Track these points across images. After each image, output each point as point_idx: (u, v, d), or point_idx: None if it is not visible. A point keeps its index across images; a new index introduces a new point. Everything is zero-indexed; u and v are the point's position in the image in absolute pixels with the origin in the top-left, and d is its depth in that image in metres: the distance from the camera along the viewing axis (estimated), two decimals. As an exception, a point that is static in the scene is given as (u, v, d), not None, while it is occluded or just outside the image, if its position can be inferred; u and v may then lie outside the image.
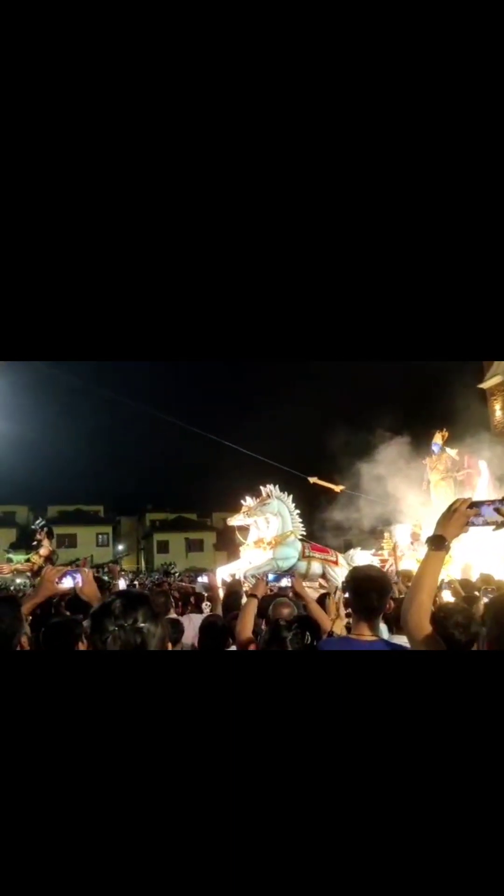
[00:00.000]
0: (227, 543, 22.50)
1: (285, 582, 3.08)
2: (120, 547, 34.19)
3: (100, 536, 33.19)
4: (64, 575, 2.06)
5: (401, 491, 11.57)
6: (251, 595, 2.61)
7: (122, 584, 5.94)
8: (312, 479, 11.15)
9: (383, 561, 9.72)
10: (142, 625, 1.19)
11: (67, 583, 2.06)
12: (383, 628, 2.35)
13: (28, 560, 10.37)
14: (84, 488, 32.91)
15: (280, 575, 3.16)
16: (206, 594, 4.90)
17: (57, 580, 2.04)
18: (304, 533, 9.75)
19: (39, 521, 11.20)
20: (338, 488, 11.55)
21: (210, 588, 4.20)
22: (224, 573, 8.66)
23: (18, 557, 11.24)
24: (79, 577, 2.05)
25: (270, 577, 3.08)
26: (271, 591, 4.30)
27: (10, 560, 11.82)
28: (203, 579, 4.12)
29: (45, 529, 10.49)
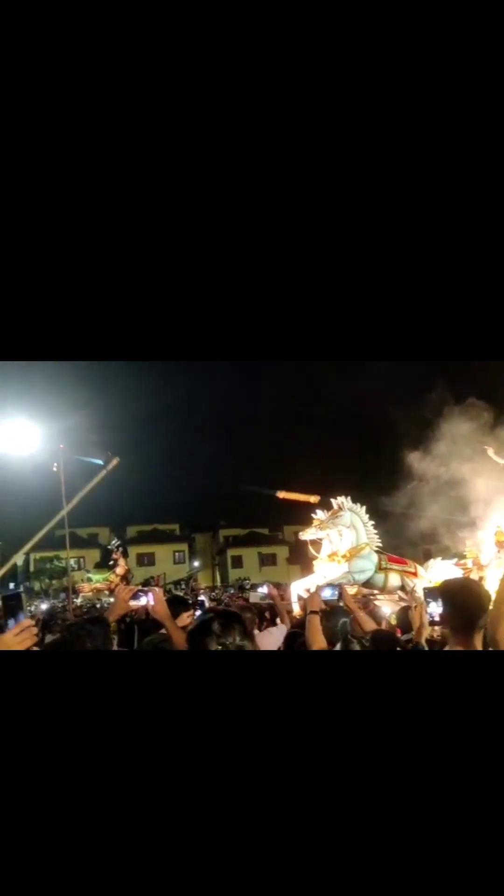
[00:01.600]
0: (301, 557, 22.18)
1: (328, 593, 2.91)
2: (196, 563, 34.77)
3: (176, 554, 33.94)
4: (135, 594, 2.11)
5: (473, 478, 9.90)
6: (311, 612, 2.52)
7: (203, 599, 5.89)
8: (281, 494, 9.94)
9: (467, 571, 9.12)
10: (241, 642, 1.26)
11: (143, 600, 2.11)
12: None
13: (106, 579, 10.73)
14: (160, 508, 33.89)
15: (335, 588, 2.96)
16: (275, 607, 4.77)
17: (129, 599, 2.10)
18: (381, 544, 9.37)
19: (115, 542, 11.61)
20: (313, 499, 9.97)
21: (272, 599, 3.94)
22: (299, 588, 8.48)
23: (98, 577, 11.69)
24: (150, 597, 2.08)
25: (327, 591, 2.90)
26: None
27: (89, 579, 12.33)
28: (263, 590, 3.77)
29: (121, 549, 10.83)
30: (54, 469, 8.54)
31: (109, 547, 11.52)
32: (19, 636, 1.31)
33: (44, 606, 11.23)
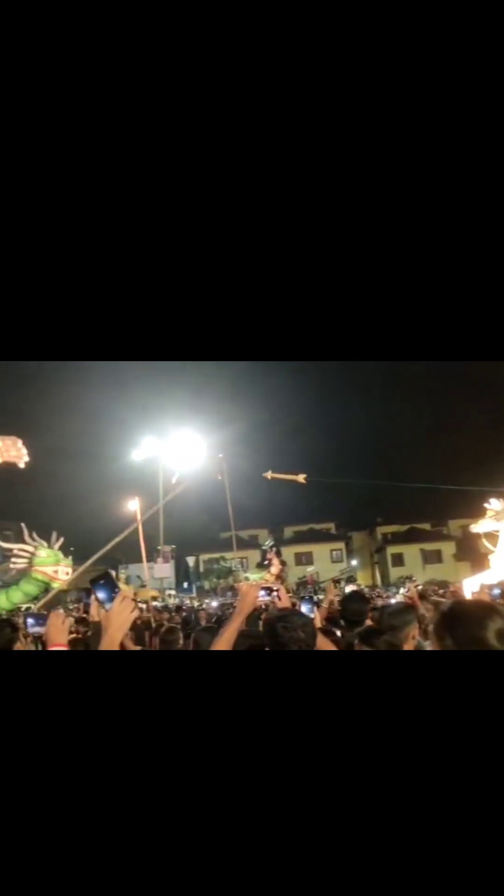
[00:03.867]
0: (470, 553, 20.53)
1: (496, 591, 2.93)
2: (354, 562, 34.22)
3: (333, 552, 33.85)
4: (264, 589, 2.31)
5: None
6: None
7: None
8: (267, 475, 9.00)
9: None
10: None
11: (284, 599, 2.31)
12: None
13: (262, 578, 11.05)
14: (315, 508, 34.14)
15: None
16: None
17: (257, 595, 2.20)
18: None
19: (268, 542, 11.97)
20: (300, 478, 8.96)
21: (409, 600, 3.73)
22: (473, 585, 7.64)
23: (255, 576, 12.15)
24: (275, 593, 2.26)
25: (496, 590, 2.74)
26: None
27: (247, 579, 12.84)
28: (403, 589, 3.68)
29: (274, 549, 11.08)
30: (219, 478, 9.07)
31: (263, 548, 12.02)
32: (121, 605, 1.38)
33: (214, 604, 12.09)
